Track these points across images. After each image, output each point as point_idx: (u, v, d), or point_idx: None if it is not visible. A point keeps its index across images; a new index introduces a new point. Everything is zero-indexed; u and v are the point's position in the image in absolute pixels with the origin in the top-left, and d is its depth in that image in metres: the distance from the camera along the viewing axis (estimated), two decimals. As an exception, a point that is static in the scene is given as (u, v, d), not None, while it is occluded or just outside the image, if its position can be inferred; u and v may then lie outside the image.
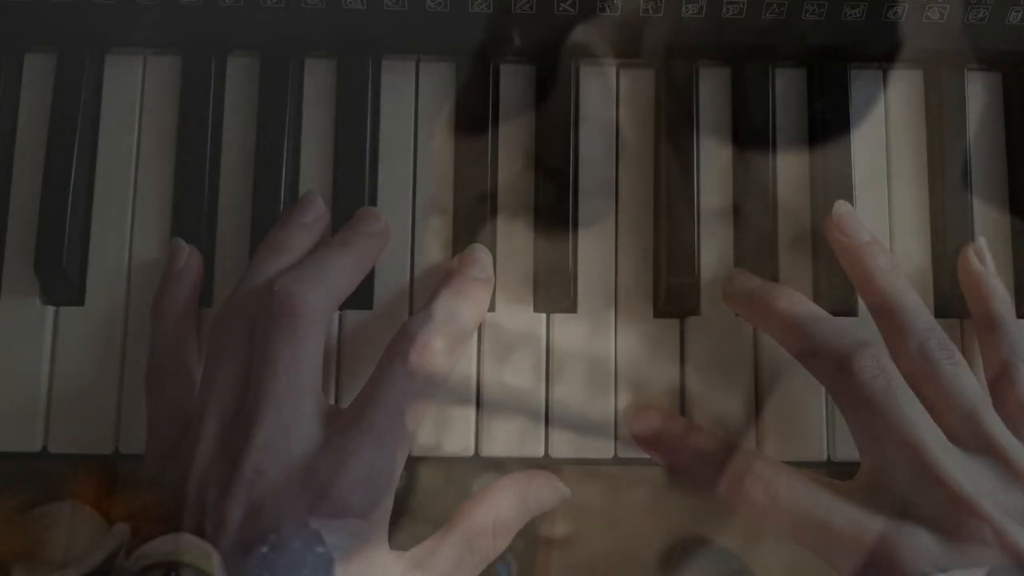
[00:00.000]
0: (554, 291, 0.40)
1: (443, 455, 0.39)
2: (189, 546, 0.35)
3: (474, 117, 0.41)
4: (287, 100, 0.41)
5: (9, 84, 0.41)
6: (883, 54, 0.42)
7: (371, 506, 0.34)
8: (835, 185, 0.40)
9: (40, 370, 0.39)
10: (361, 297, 0.39)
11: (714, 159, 0.41)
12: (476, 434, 0.39)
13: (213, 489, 0.33)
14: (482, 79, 0.41)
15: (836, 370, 0.34)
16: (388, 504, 0.35)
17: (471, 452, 0.39)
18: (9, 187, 0.40)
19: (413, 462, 0.37)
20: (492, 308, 0.40)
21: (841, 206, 0.39)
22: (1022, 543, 0.31)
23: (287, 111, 0.41)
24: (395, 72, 0.42)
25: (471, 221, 0.40)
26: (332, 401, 0.39)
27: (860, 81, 0.42)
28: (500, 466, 0.38)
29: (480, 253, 0.39)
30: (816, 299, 0.39)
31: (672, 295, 0.39)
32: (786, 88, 0.42)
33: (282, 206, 0.40)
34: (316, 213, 0.39)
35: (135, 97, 0.41)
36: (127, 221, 0.40)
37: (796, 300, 0.37)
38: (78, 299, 0.40)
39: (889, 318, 0.37)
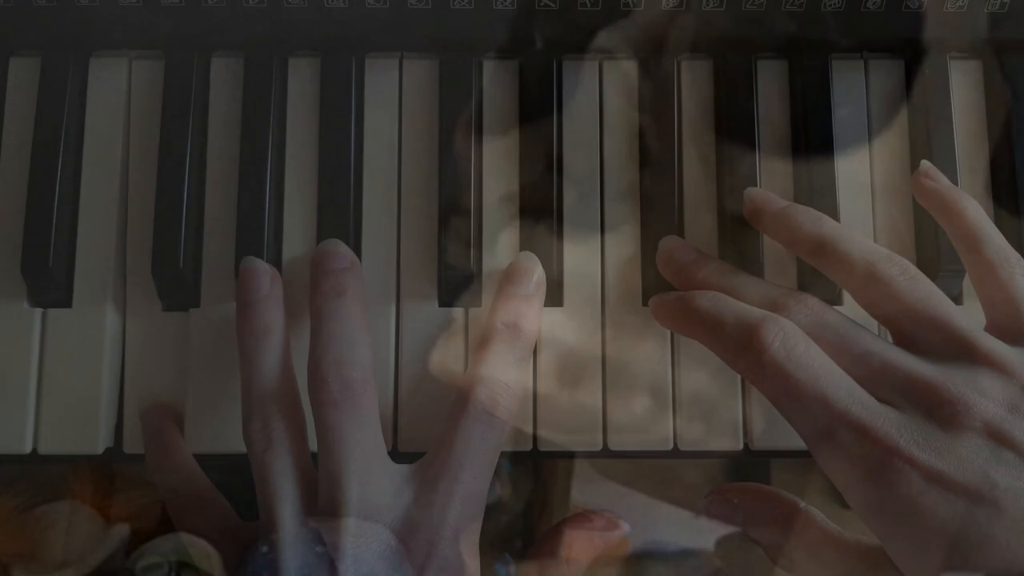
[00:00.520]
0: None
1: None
2: (189, 545, 0.35)
3: (458, 113, 0.41)
4: (271, 99, 0.41)
5: (-6, 88, 0.41)
6: (865, 44, 0.42)
7: (471, 552, 0.35)
8: (818, 175, 0.41)
9: (28, 372, 0.39)
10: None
11: (698, 151, 0.41)
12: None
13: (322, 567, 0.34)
14: (465, 75, 0.41)
15: (739, 353, 0.34)
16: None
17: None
18: (-5, 190, 0.40)
19: (404, 456, 0.38)
20: (481, 306, 0.40)
21: (750, 191, 0.39)
22: (1009, 427, 0.30)
23: (271, 110, 0.41)
24: (379, 70, 0.42)
25: (457, 217, 0.40)
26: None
27: (842, 72, 0.42)
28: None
29: (527, 263, 0.39)
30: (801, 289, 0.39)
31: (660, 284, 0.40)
32: (768, 80, 0.42)
33: (267, 206, 0.40)
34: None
35: (120, 99, 0.41)
36: (113, 222, 0.40)
37: (726, 270, 0.37)
38: (65, 301, 0.40)
39: (829, 260, 0.36)
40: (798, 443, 0.33)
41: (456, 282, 0.40)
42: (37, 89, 0.41)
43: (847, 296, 0.40)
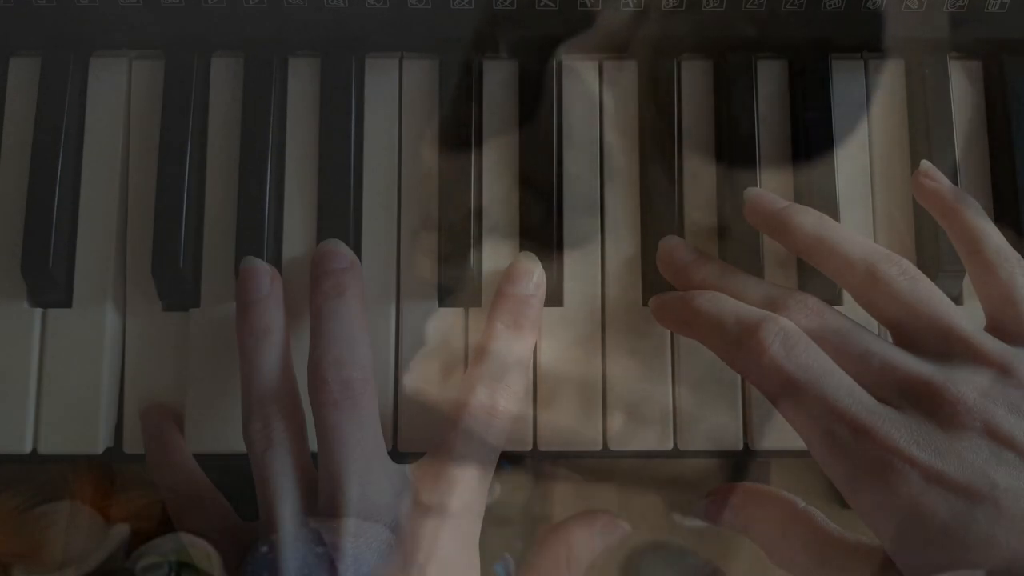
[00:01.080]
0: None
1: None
2: (189, 545, 0.35)
3: (458, 113, 0.41)
4: (271, 99, 0.41)
5: (-6, 88, 0.41)
6: (864, 44, 0.42)
7: (470, 552, 0.35)
8: (818, 174, 0.41)
9: (28, 372, 0.39)
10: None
11: (697, 151, 0.41)
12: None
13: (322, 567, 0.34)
14: (465, 75, 0.41)
15: (739, 353, 0.34)
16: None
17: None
18: (-5, 190, 0.41)
19: (404, 456, 0.38)
20: (481, 306, 0.40)
21: (750, 191, 0.39)
22: (1007, 425, 0.30)
23: (271, 110, 0.41)
24: (379, 70, 0.42)
25: (456, 217, 0.40)
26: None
27: (842, 72, 0.42)
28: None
29: (527, 263, 0.39)
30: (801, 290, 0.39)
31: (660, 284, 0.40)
32: (768, 80, 0.42)
33: (267, 206, 0.40)
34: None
35: (120, 99, 0.42)
36: (113, 222, 0.41)
37: (725, 270, 0.37)
38: (65, 301, 0.40)
39: (829, 260, 0.36)
40: (798, 443, 0.33)
41: (456, 282, 0.40)
42: (37, 89, 0.41)
43: (847, 296, 0.40)
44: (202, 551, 0.35)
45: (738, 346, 0.34)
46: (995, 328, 0.34)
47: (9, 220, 0.40)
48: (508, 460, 0.39)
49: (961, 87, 0.42)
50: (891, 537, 0.31)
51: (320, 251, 0.39)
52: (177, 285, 0.40)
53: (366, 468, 0.34)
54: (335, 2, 0.40)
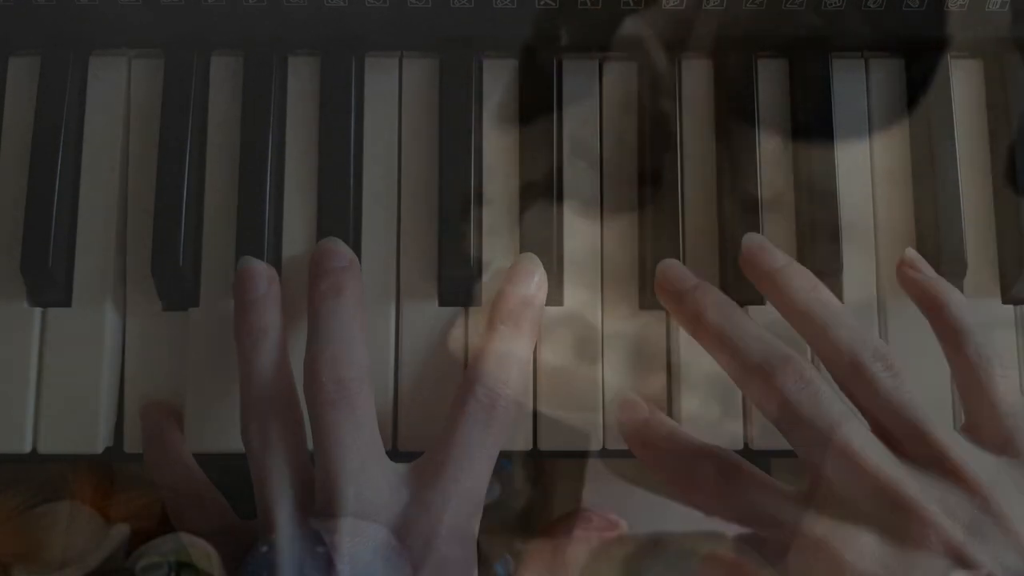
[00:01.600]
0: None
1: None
2: (189, 545, 0.35)
3: (458, 113, 0.41)
4: (271, 98, 0.41)
5: (-7, 88, 0.41)
6: (865, 42, 0.42)
7: (468, 551, 0.35)
8: (819, 174, 0.41)
9: (28, 371, 0.39)
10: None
11: (697, 150, 0.41)
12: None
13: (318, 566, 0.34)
14: (465, 75, 0.41)
15: (760, 387, 0.34)
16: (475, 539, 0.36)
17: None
18: (-5, 189, 0.41)
19: (403, 455, 0.38)
20: (481, 305, 0.40)
21: (750, 239, 0.39)
22: (970, 549, 0.31)
23: (271, 109, 0.41)
24: (378, 69, 0.42)
25: (456, 216, 0.40)
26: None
27: (842, 71, 0.42)
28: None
29: (528, 264, 0.39)
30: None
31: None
32: (769, 79, 0.42)
33: (267, 205, 0.40)
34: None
35: (119, 98, 0.41)
36: (113, 222, 0.40)
37: (724, 311, 0.36)
38: (65, 300, 0.40)
39: (816, 339, 0.36)
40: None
41: (456, 282, 0.40)
42: (37, 88, 0.41)
43: (848, 296, 0.40)
44: (202, 551, 0.35)
45: (754, 381, 0.34)
46: (973, 428, 0.35)
47: (9, 219, 0.40)
48: (508, 460, 0.39)
49: (962, 86, 0.42)
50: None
51: (319, 250, 0.39)
52: (177, 284, 0.40)
53: (362, 468, 0.34)
54: (335, 1, 0.40)
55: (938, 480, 0.32)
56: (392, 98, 0.42)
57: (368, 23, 0.40)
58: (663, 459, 0.37)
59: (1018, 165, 0.41)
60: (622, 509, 0.43)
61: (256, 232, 0.40)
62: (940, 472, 0.32)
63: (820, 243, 0.40)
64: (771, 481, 0.35)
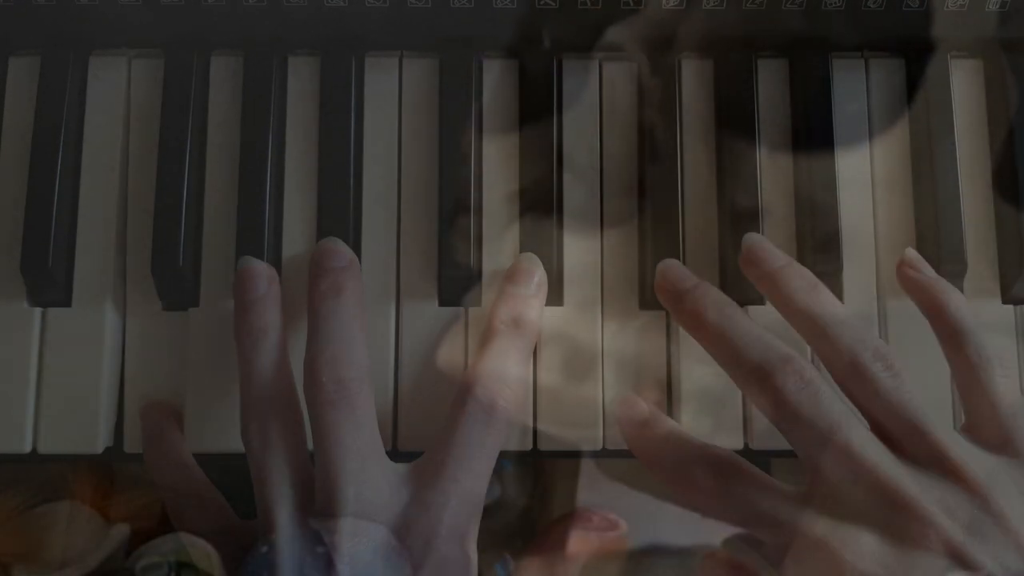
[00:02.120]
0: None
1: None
2: (189, 545, 0.35)
3: (458, 113, 0.41)
4: (271, 98, 0.41)
5: (-7, 88, 0.41)
6: (865, 43, 0.42)
7: (468, 551, 0.35)
8: (819, 174, 0.41)
9: (28, 371, 0.39)
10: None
11: (698, 151, 0.41)
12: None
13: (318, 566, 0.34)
14: (465, 75, 0.41)
15: (760, 387, 0.34)
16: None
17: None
18: (-5, 189, 0.41)
19: (403, 455, 0.38)
20: (481, 305, 0.40)
21: (750, 239, 0.38)
22: (969, 549, 0.31)
23: (271, 109, 0.41)
24: (378, 68, 0.42)
25: (457, 216, 0.40)
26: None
27: (842, 71, 0.42)
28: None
29: (528, 264, 0.39)
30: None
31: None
32: (768, 80, 0.42)
33: (267, 205, 0.40)
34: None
35: (119, 98, 0.41)
36: (113, 221, 0.40)
37: (724, 311, 0.36)
38: (65, 300, 0.40)
39: (816, 339, 0.36)
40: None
41: (456, 282, 0.40)
42: (37, 88, 0.41)
43: (848, 296, 0.40)
44: (202, 551, 0.35)
45: (754, 380, 0.34)
46: (973, 428, 0.35)
47: (9, 219, 0.40)
48: (508, 460, 0.39)
49: (962, 86, 0.42)
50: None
51: (319, 250, 0.39)
52: (177, 284, 0.40)
53: (362, 468, 0.34)
54: (335, 1, 0.40)
55: (938, 480, 0.32)
56: (392, 98, 0.42)
57: (368, 23, 0.40)
58: (663, 459, 0.37)
59: (1018, 165, 0.41)
60: (621, 509, 0.43)
61: (256, 232, 0.40)
62: (940, 472, 0.32)
63: (820, 243, 0.40)
64: (771, 481, 0.35)
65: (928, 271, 0.38)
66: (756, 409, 0.39)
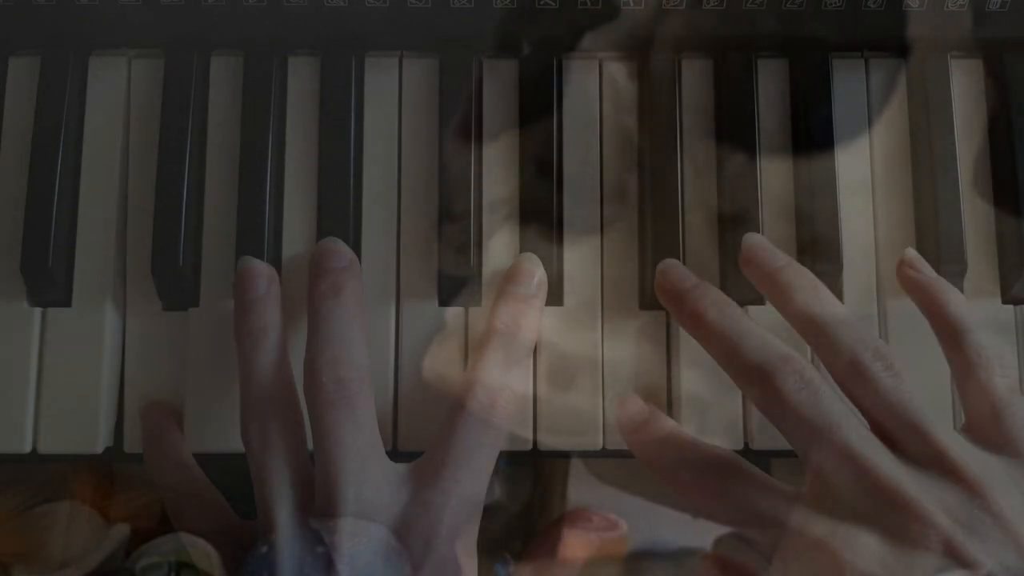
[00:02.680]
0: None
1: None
2: (189, 545, 0.35)
3: (458, 113, 0.41)
4: (271, 98, 0.41)
5: (-7, 88, 0.41)
6: (865, 43, 0.42)
7: (468, 551, 0.35)
8: (819, 174, 0.41)
9: (28, 371, 0.39)
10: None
11: (697, 150, 0.41)
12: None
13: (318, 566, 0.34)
14: (465, 75, 0.41)
15: (760, 387, 0.34)
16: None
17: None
18: (-5, 189, 0.41)
19: (403, 455, 0.38)
20: (481, 305, 0.40)
21: (750, 238, 0.39)
22: (969, 549, 0.31)
23: (271, 109, 0.41)
24: (378, 68, 0.42)
25: (456, 216, 0.40)
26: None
27: (842, 71, 0.42)
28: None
29: (528, 264, 0.39)
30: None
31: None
32: (768, 80, 0.42)
33: (267, 205, 0.40)
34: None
35: (119, 98, 0.42)
36: (113, 221, 0.41)
37: (725, 311, 0.36)
38: (65, 300, 0.40)
39: (816, 340, 0.36)
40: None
41: (456, 282, 0.40)
42: (36, 88, 0.41)
43: (848, 296, 0.40)
44: (202, 551, 0.35)
45: (754, 380, 0.34)
46: (973, 428, 0.35)
47: (9, 219, 0.40)
48: (508, 460, 0.39)
49: (962, 86, 0.42)
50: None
51: (319, 249, 0.39)
52: (177, 284, 0.40)
53: (362, 468, 0.34)
54: (335, 1, 0.40)
55: (938, 480, 0.32)
56: (392, 98, 0.42)
57: (368, 23, 0.40)
58: (663, 460, 0.37)
59: (1018, 165, 0.41)
60: (621, 510, 0.43)
61: (256, 232, 0.40)
62: (940, 472, 0.32)
63: (820, 243, 0.40)
64: (771, 481, 0.35)
65: (928, 271, 0.38)
66: (756, 409, 0.39)
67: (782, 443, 0.37)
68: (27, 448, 0.39)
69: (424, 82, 0.42)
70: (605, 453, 0.39)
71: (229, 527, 0.38)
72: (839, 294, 0.40)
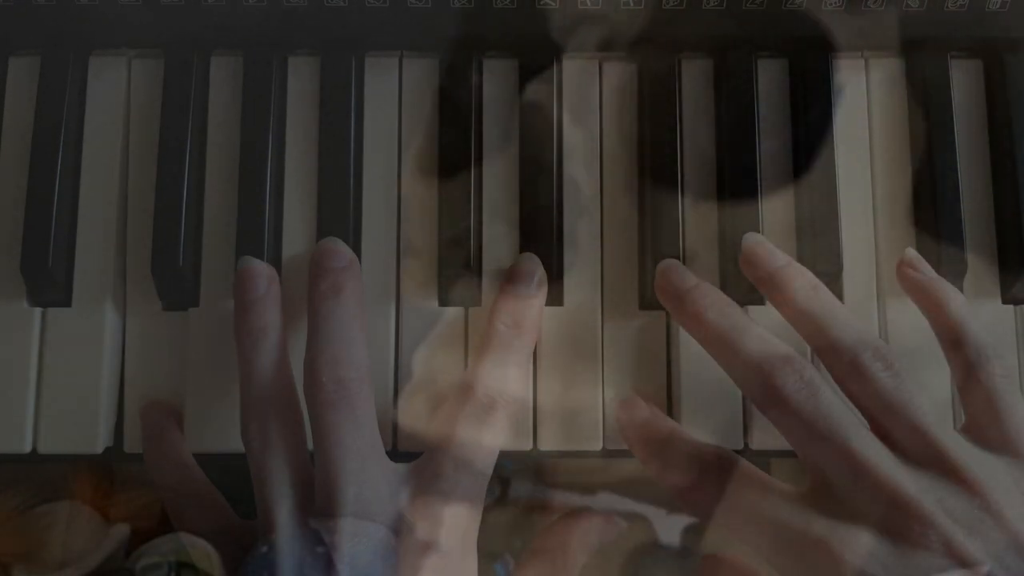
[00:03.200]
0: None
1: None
2: (189, 545, 0.35)
3: (458, 112, 0.41)
4: (271, 98, 0.41)
5: (-7, 88, 0.41)
6: (865, 43, 0.42)
7: (468, 551, 0.35)
8: (819, 174, 0.41)
9: (28, 371, 0.39)
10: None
11: (697, 150, 0.41)
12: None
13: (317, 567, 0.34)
14: (465, 75, 0.41)
15: (760, 387, 0.34)
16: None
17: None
18: (-5, 189, 0.41)
19: (403, 455, 0.38)
20: (481, 305, 0.40)
21: (750, 238, 0.39)
22: (969, 549, 0.31)
23: (271, 109, 0.41)
24: (378, 69, 0.42)
25: (456, 215, 0.40)
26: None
27: (842, 71, 0.42)
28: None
29: (529, 264, 0.39)
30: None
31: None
32: (768, 80, 0.42)
33: (267, 205, 0.40)
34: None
35: (119, 98, 0.42)
36: (113, 221, 0.41)
37: (725, 311, 0.36)
38: (65, 300, 0.40)
39: (816, 338, 0.36)
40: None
41: (456, 282, 0.40)
42: (37, 88, 0.41)
43: (848, 296, 0.40)
44: (202, 551, 0.35)
45: (754, 381, 0.34)
46: (973, 428, 0.35)
47: (9, 219, 0.40)
48: (508, 460, 0.39)
49: (961, 86, 0.42)
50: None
51: (319, 250, 0.39)
52: (177, 284, 0.40)
53: (362, 468, 0.35)
54: (335, 1, 0.40)
55: (938, 480, 0.32)
56: (392, 98, 0.42)
57: (368, 23, 0.40)
58: (663, 460, 0.37)
59: (1018, 165, 0.41)
60: (621, 509, 0.43)
61: (256, 232, 0.40)
62: (940, 472, 0.32)
63: (820, 243, 0.40)
64: (771, 481, 0.35)
65: (928, 271, 0.38)
66: (756, 409, 0.39)
67: (782, 443, 0.37)
68: (27, 448, 0.39)
69: (424, 82, 0.42)
70: (605, 453, 0.39)
71: (229, 527, 0.38)
72: (839, 294, 0.40)
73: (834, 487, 0.33)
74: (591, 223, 0.41)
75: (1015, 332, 0.40)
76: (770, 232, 0.41)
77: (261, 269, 0.38)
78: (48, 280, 0.39)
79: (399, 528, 0.34)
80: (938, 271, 0.39)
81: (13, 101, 0.41)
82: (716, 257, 0.41)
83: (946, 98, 0.41)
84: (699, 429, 0.39)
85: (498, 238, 0.41)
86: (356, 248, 0.40)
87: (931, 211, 0.40)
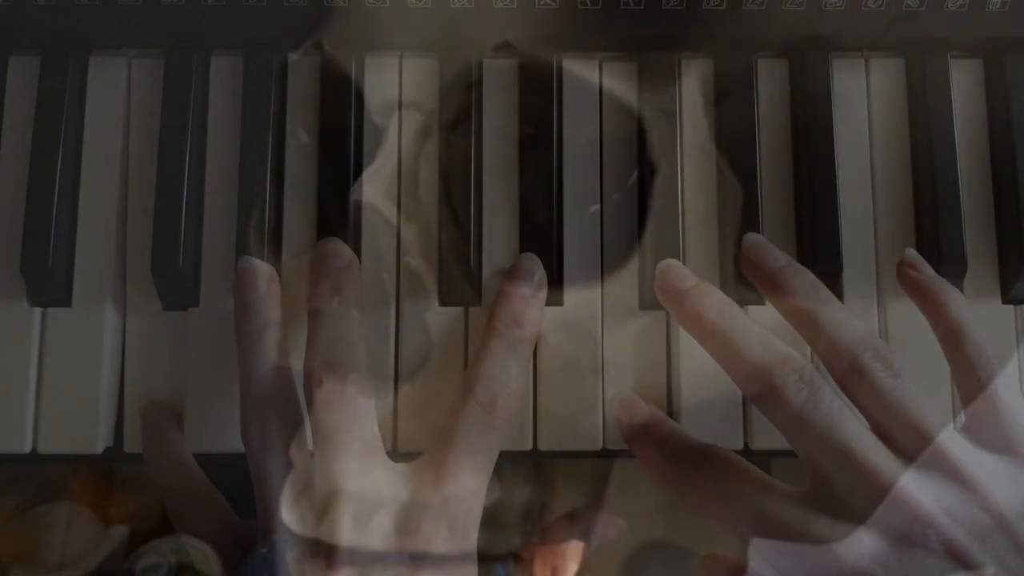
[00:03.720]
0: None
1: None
2: (189, 547, 0.35)
3: (458, 113, 0.41)
4: (271, 99, 0.41)
5: (-7, 88, 0.41)
6: (865, 43, 0.42)
7: (468, 551, 0.35)
8: (819, 174, 0.40)
9: (28, 371, 0.39)
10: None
11: (697, 150, 0.41)
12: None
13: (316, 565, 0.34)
14: (465, 75, 0.41)
15: (760, 387, 0.34)
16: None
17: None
18: (-5, 189, 0.41)
19: (403, 455, 0.38)
20: (481, 305, 0.40)
21: (750, 239, 0.39)
22: (969, 549, 0.31)
23: (271, 110, 0.41)
24: (378, 68, 0.42)
25: (457, 216, 0.40)
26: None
27: (842, 71, 0.42)
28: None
29: (529, 264, 0.39)
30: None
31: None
32: (768, 80, 0.42)
33: (267, 204, 0.40)
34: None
35: (119, 98, 0.42)
36: (113, 221, 0.41)
37: (724, 311, 0.36)
38: (65, 300, 0.40)
39: (816, 339, 0.36)
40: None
41: (456, 282, 0.40)
42: (36, 88, 0.41)
43: (848, 296, 0.40)
44: (201, 552, 0.35)
45: (754, 380, 0.34)
46: (973, 428, 0.35)
47: (9, 219, 0.40)
48: (508, 460, 0.39)
49: (962, 86, 0.42)
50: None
51: (319, 250, 0.39)
52: (177, 284, 0.40)
53: (362, 468, 0.34)
54: (336, 1, 0.40)
55: (938, 480, 0.32)
56: (392, 98, 0.42)
57: (368, 23, 0.40)
58: (663, 460, 0.37)
59: (1018, 165, 0.41)
60: (621, 509, 0.43)
61: (256, 232, 0.40)
62: (940, 472, 0.32)
63: (820, 244, 0.40)
64: (771, 481, 0.35)
65: (928, 271, 0.38)
66: (756, 409, 0.39)
67: (782, 443, 0.37)
68: (27, 448, 0.39)
69: (423, 83, 0.42)
70: (605, 453, 0.39)
71: (229, 527, 0.38)
72: (839, 294, 0.40)
73: (834, 487, 0.33)
74: (591, 223, 0.41)
75: (1015, 332, 0.40)
76: (770, 231, 0.41)
77: (261, 269, 0.38)
78: (48, 280, 0.39)
79: (399, 528, 0.34)
80: (938, 271, 0.39)
81: (13, 101, 0.41)
82: (716, 257, 0.41)
83: (946, 98, 0.41)
84: (699, 429, 0.39)
85: (498, 238, 0.41)
86: (356, 248, 0.40)
87: (931, 211, 0.40)
